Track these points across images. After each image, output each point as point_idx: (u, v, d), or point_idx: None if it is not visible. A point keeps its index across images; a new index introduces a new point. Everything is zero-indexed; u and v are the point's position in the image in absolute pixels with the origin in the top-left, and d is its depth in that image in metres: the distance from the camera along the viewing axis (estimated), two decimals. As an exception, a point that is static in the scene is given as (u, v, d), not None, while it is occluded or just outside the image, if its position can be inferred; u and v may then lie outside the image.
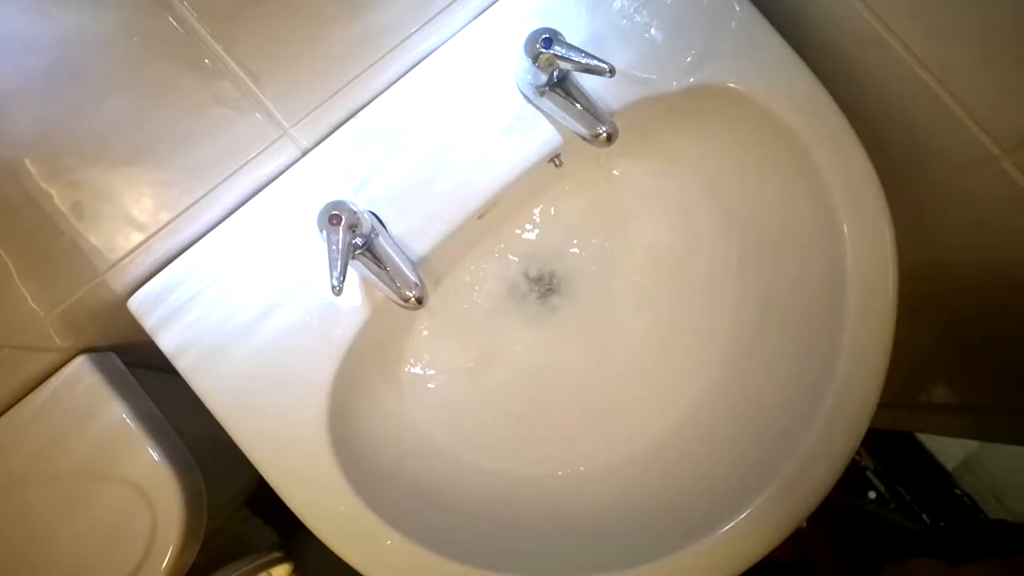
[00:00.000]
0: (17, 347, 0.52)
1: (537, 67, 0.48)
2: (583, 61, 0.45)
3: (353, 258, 0.47)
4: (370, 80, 0.53)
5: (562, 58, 0.46)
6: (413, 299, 0.48)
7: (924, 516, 1.17)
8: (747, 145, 0.57)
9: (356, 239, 0.46)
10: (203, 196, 0.51)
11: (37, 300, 0.50)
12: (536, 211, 0.61)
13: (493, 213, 0.56)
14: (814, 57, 0.53)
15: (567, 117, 0.50)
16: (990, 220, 0.53)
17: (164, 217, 0.51)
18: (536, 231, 0.61)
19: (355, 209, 0.45)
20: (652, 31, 0.54)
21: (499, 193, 0.53)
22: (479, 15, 0.55)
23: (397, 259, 0.48)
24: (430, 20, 0.53)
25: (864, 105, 0.54)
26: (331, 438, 0.50)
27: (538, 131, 0.54)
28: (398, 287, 0.48)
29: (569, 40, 0.46)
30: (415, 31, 0.52)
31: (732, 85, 0.53)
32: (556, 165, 0.56)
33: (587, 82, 0.50)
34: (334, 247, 0.43)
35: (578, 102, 0.49)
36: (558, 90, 0.50)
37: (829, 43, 0.54)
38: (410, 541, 0.49)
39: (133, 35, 0.41)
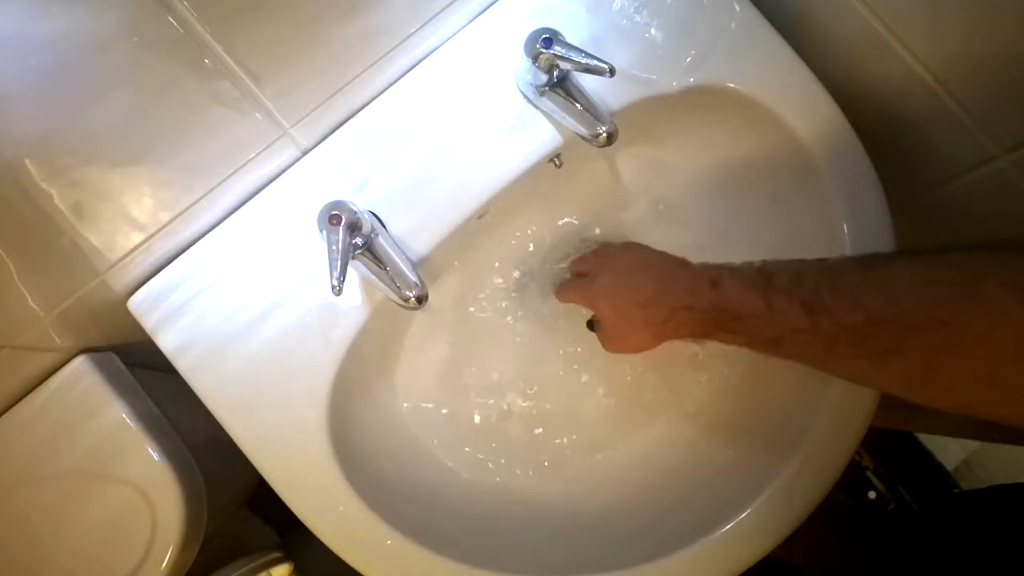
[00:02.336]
0: (17, 347, 0.52)
1: (537, 67, 0.48)
2: (583, 61, 0.45)
3: (353, 258, 0.47)
4: (370, 80, 0.53)
5: (562, 58, 0.46)
6: (413, 299, 0.48)
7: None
8: (747, 145, 0.57)
9: (356, 239, 0.46)
10: (203, 196, 0.51)
11: (37, 300, 0.50)
12: (536, 211, 0.61)
13: (493, 213, 0.56)
14: (814, 57, 0.53)
15: (567, 117, 0.50)
16: (990, 219, 0.53)
17: (164, 217, 0.51)
18: (536, 231, 0.61)
19: (355, 209, 0.45)
20: (652, 31, 0.54)
21: (499, 193, 0.53)
22: (479, 15, 0.55)
23: (397, 259, 0.48)
24: (430, 20, 0.53)
25: (864, 105, 0.54)
26: (331, 438, 0.50)
27: (538, 131, 0.54)
28: (398, 287, 0.48)
29: (569, 40, 0.46)
30: (415, 31, 0.52)
31: (732, 85, 0.53)
32: (556, 165, 0.56)
33: (587, 82, 0.50)
34: (334, 247, 0.43)
35: (578, 102, 0.49)
36: (558, 90, 0.50)
37: (829, 43, 0.54)
38: (410, 541, 0.49)
39: (133, 35, 0.41)
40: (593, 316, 0.55)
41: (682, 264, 0.49)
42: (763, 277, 0.42)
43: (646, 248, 0.52)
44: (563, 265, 0.60)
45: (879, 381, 0.38)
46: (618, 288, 0.50)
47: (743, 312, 0.42)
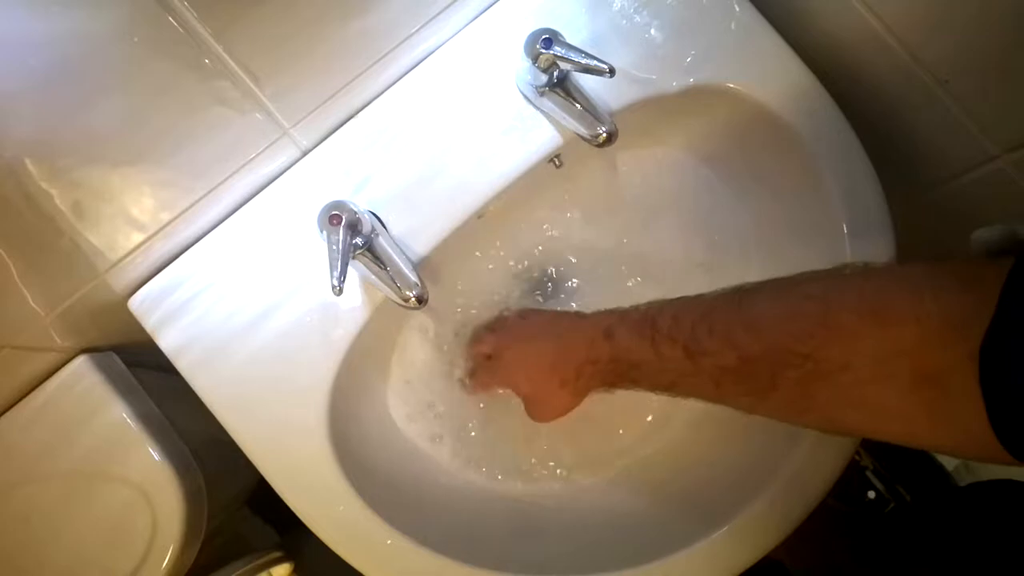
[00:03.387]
0: (17, 347, 0.52)
1: (537, 67, 0.48)
2: (583, 61, 0.45)
3: (353, 258, 0.47)
4: (370, 80, 0.53)
5: (562, 58, 0.46)
6: (413, 299, 0.48)
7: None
8: (747, 145, 0.57)
9: (356, 239, 0.46)
10: (203, 196, 0.51)
11: (37, 300, 0.50)
12: (536, 211, 0.61)
13: (493, 213, 0.56)
14: (814, 57, 0.53)
15: (567, 117, 0.50)
16: (990, 219, 0.53)
17: (164, 217, 0.51)
18: (536, 231, 0.61)
19: (355, 209, 0.45)
20: (652, 31, 0.54)
21: (499, 193, 0.53)
22: (479, 15, 0.55)
23: (397, 259, 0.48)
24: (430, 20, 0.53)
25: (864, 105, 0.54)
26: (331, 438, 0.50)
27: (538, 131, 0.54)
28: (398, 287, 0.48)
29: (569, 40, 0.46)
30: (415, 31, 0.52)
31: (732, 85, 0.53)
32: (556, 165, 0.56)
33: (587, 82, 0.50)
34: (334, 247, 0.43)
35: (578, 102, 0.49)
36: (558, 90, 0.50)
37: (829, 43, 0.54)
38: (410, 541, 0.49)
39: (133, 35, 0.41)
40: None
41: (576, 319, 0.49)
42: (648, 323, 0.42)
43: (539, 312, 0.53)
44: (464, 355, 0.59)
45: (767, 412, 0.39)
46: (525, 359, 0.51)
47: (636, 360, 0.43)
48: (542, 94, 0.51)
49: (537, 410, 0.52)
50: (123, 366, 0.59)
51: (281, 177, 0.54)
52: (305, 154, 0.54)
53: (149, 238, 0.51)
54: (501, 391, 0.55)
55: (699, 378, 0.39)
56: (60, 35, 0.39)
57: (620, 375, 0.45)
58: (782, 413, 0.38)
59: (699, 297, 0.42)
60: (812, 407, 0.35)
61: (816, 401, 0.35)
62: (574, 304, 0.60)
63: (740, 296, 0.39)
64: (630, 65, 0.53)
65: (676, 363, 0.40)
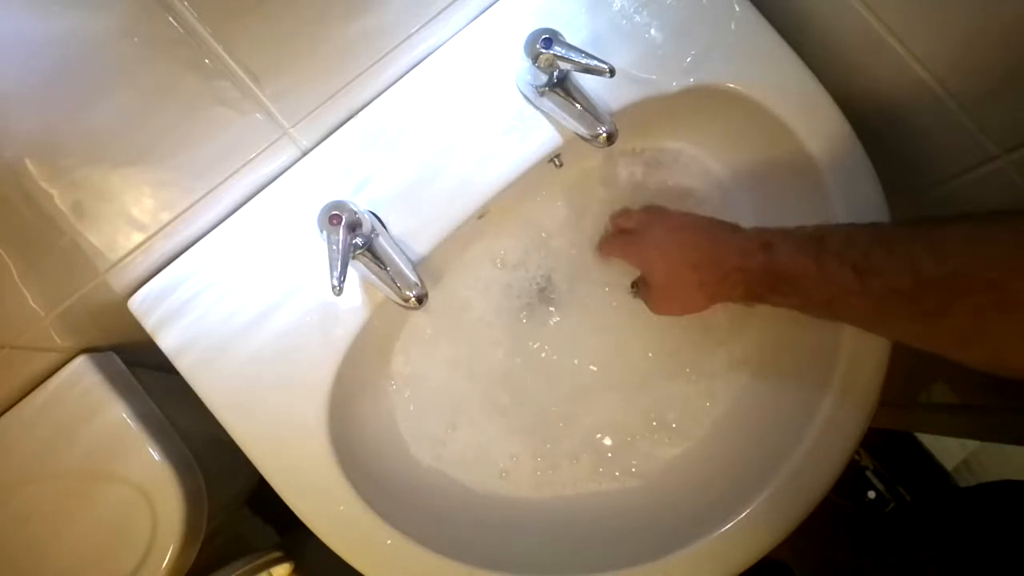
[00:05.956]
0: (17, 347, 0.52)
1: (537, 67, 0.48)
2: (583, 61, 0.45)
3: (353, 258, 0.47)
4: (370, 80, 0.53)
5: (562, 58, 0.46)
6: (413, 299, 0.48)
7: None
8: (747, 145, 0.57)
9: (356, 239, 0.46)
10: (203, 196, 0.51)
11: (37, 300, 0.50)
12: (536, 211, 0.61)
13: (493, 213, 0.56)
14: (814, 57, 0.53)
15: (567, 117, 0.50)
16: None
17: (164, 217, 0.51)
18: (536, 232, 0.61)
19: (355, 209, 0.45)
20: (652, 31, 0.54)
21: (499, 193, 0.53)
22: (479, 15, 0.55)
23: (397, 259, 0.49)
24: (430, 20, 0.53)
25: (864, 105, 0.54)
26: (331, 438, 0.50)
27: (538, 131, 0.54)
28: (398, 287, 0.48)
29: (569, 40, 0.46)
30: (415, 31, 0.52)
31: (732, 85, 0.53)
32: (556, 165, 0.56)
33: (587, 82, 0.50)
34: (334, 247, 0.43)
35: (578, 102, 0.49)
36: (558, 90, 0.50)
37: (829, 43, 0.54)
38: (410, 540, 0.49)
39: (133, 35, 0.41)
40: (639, 278, 0.54)
41: (733, 227, 0.48)
42: (815, 241, 0.42)
43: (692, 213, 0.52)
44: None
45: (927, 341, 0.38)
46: (671, 246, 0.50)
47: (795, 275, 0.42)
48: (542, 94, 0.51)
49: (663, 301, 0.51)
50: (123, 366, 0.59)
51: (281, 177, 0.54)
52: (305, 154, 0.54)
53: (149, 238, 0.51)
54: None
55: (863, 298, 0.39)
56: (60, 35, 0.39)
57: (770, 287, 0.44)
58: (945, 341, 0.36)
59: (874, 224, 0.41)
60: (982, 338, 0.34)
61: (989, 332, 0.34)
62: (572, 306, 0.60)
63: (923, 222, 0.38)
64: (630, 65, 0.53)
65: (840, 280, 0.39)
